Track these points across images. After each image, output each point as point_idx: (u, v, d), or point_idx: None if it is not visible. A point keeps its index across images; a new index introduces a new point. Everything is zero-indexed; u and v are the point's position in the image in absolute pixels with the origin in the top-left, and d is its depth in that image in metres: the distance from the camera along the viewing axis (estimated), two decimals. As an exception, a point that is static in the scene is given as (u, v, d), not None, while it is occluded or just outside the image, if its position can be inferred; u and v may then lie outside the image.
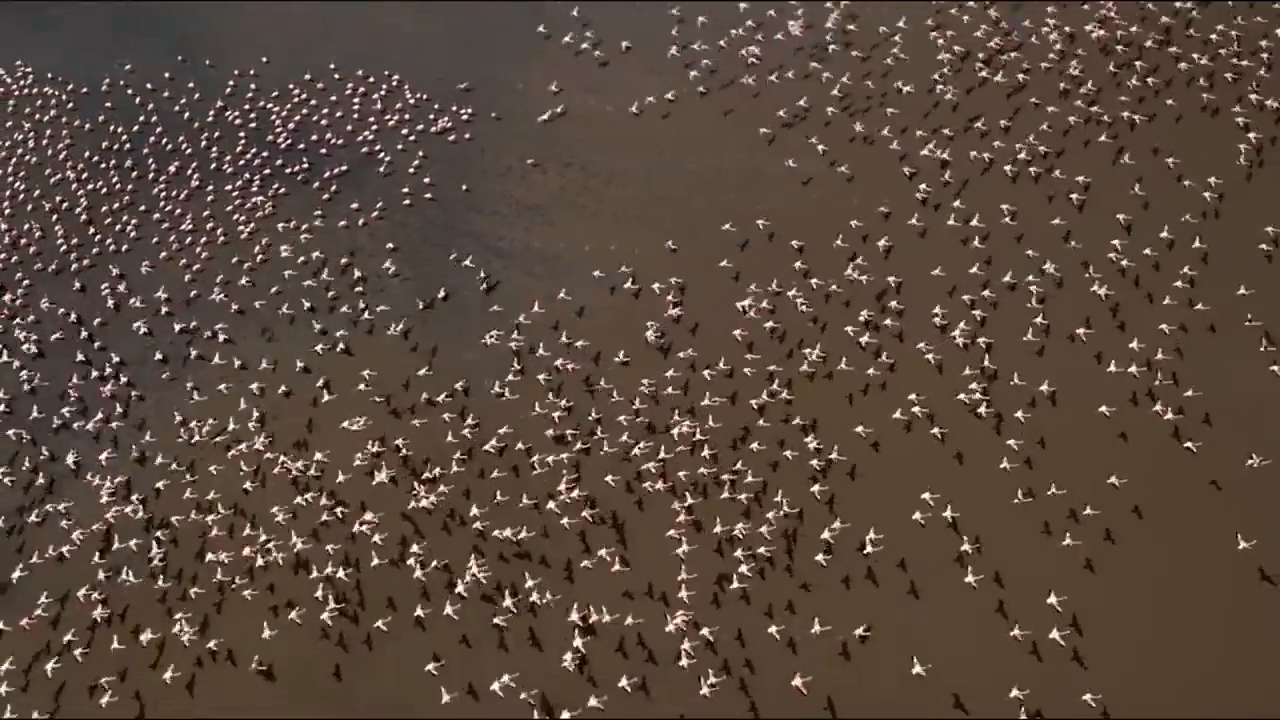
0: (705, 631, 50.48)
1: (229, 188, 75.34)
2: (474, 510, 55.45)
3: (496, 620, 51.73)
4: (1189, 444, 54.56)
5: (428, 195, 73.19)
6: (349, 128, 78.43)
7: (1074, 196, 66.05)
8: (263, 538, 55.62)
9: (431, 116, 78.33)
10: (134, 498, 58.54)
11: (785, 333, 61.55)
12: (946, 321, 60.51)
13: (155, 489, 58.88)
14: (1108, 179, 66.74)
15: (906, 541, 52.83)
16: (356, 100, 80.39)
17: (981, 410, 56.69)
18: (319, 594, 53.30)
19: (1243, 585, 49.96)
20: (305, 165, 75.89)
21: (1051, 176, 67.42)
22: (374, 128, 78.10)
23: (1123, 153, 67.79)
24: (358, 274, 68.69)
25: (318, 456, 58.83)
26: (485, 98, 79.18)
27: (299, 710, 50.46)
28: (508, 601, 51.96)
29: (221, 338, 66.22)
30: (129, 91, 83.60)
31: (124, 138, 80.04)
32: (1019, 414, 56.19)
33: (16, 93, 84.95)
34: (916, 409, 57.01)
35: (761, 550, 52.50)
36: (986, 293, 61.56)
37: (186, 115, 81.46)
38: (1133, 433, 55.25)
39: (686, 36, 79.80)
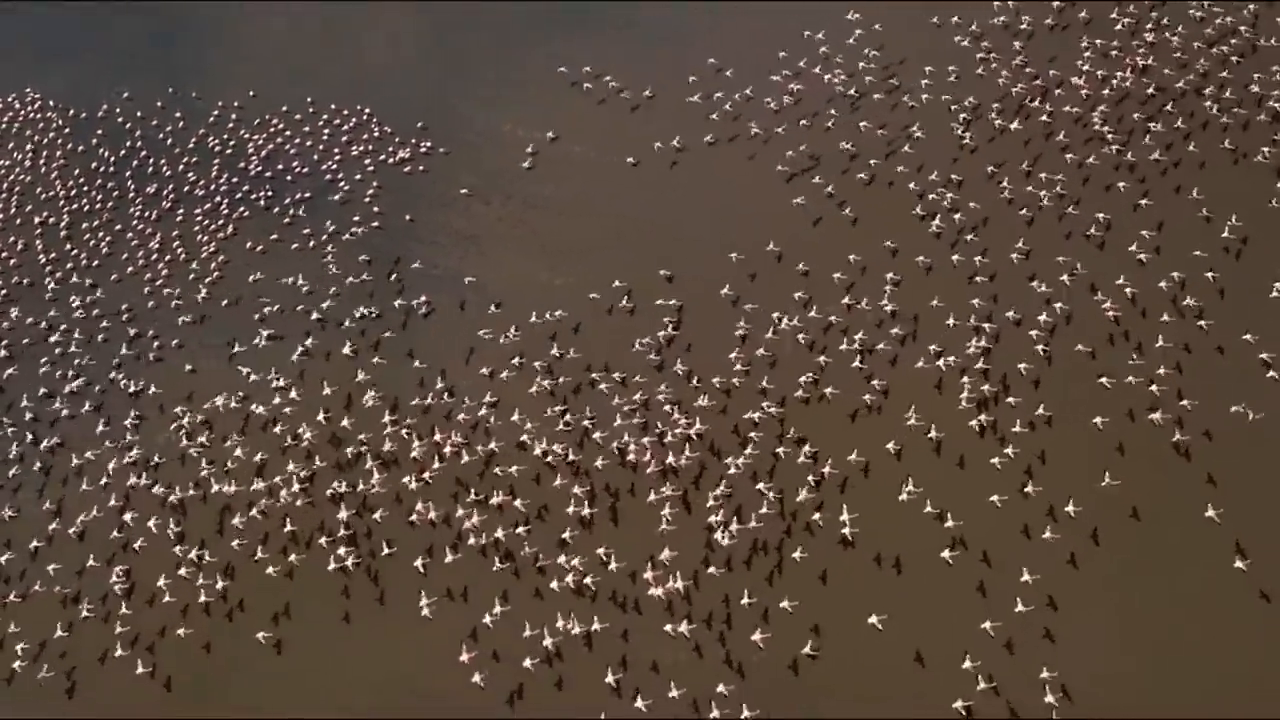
0: (680, 584, 54.08)
1: (197, 211, 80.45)
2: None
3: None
4: (1180, 435, 56.10)
5: (375, 224, 77.41)
6: (314, 157, 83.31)
7: (1093, 232, 66.04)
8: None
9: (391, 149, 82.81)
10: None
11: (776, 360, 63.16)
12: (943, 348, 61.62)
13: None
14: (1128, 220, 66.34)
15: (893, 530, 54.92)
16: (326, 131, 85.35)
17: (980, 419, 58.11)
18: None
19: (1225, 585, 51.39)
20: (269, 192, 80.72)
21: (1070, 215, 67.32)
22: (338, 157, 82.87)
23: (1146, 194, 67.31)
24: (305, 289, 72.98)
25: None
26: (449, 133, 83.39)
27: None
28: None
29: (174, 342, 71.09)
30: (120, 119, 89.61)
31: (111, 160, 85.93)
32: (1016, 428, 57.52)
33: (22, 116, 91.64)
34: (913, 420, 58.56)
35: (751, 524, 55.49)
36: (988, 325, 62.35)
37: (169, 141, 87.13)
38: (1130, 445, 56.29)
39: (708, 85, 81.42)
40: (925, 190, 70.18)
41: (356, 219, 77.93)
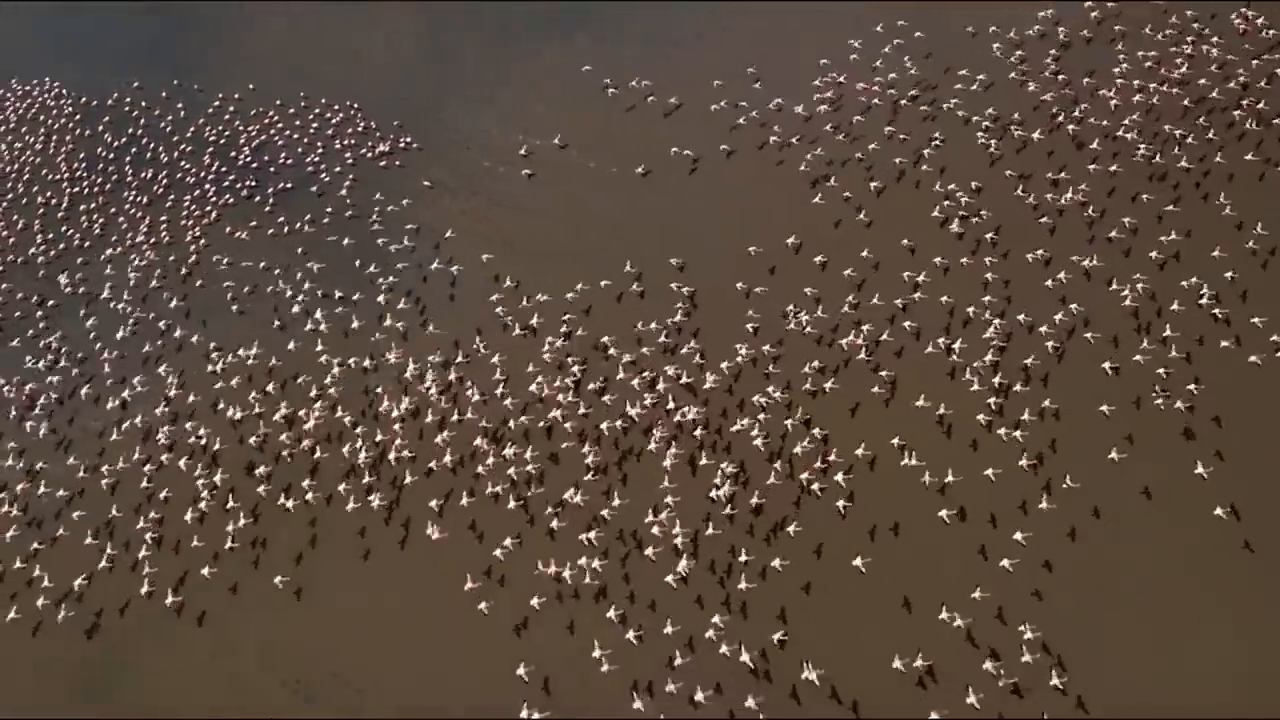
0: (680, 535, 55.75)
1: (186, 197, 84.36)
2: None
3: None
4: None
5: (348, 214, 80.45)
6: (299, 149, 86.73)
7: (1115, 235, 65.95)
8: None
9: (371, 143, 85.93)
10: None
11: (783, 341, 64.28)
12: (955, 340, 62.12)
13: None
14: (1153, 227, 66.13)
15: (892, 499, 55.77)
16: (315, 125, 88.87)
17: (990, 402, 58.71)
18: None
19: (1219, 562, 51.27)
20: (252, 182, 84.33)
21: (1092, 219, 67.46)
22: (320, 150, 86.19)
23: (1176, 202, 67.08)
24: (276, 272, 76.31)
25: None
26: (432, 131, 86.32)
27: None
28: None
29: (150, 315, 75.05)
30: (127, 107, 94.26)
31: (114, 145, 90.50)
32: (1025, 415, 57.81)
33: (39, 103, 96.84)
34: (922, 401, 59.19)
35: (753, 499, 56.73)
36: (1000, 320, 62.53)
37: (169, 130, 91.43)
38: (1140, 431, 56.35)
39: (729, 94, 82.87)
40: (948, 195, 70.48)
41: (329, 210, 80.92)
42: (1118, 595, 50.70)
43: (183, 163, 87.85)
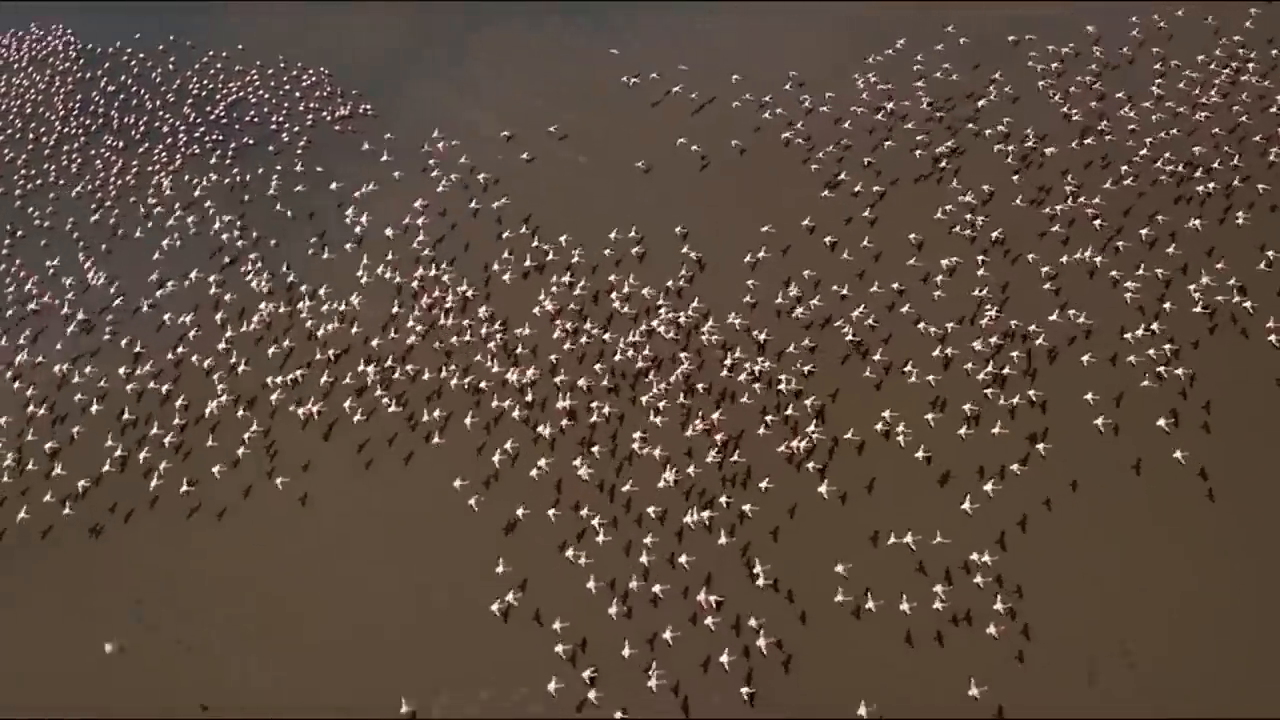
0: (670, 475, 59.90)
1: (159, 145, 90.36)
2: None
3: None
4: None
5: (298, 168, 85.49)
6: (266, 109, 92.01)
7: (1125, 244, 68.15)
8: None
9: (331, 107, 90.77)
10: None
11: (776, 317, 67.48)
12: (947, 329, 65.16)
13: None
14: (1164, 243, 68.10)
15: (870, 458, 59.44)
16: (287, 86, 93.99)
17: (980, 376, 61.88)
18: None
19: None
20: (219, 136, 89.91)
21: (1103, 230, 69.48)
22: (285, 110, 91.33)
23: (1199, 218, 68.74)
24: (220, 221, 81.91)
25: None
26: (395, 103, 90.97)
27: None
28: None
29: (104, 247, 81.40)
30: (126, 55, 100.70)
31: (108, 90, 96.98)
32: (1016, 399, 60.85)
33: (49, 46, 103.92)
34: (914, 377, 62.51)
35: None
36: (994, 311, 65.45)
37: (158, 80, 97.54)
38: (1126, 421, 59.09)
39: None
40: (961, 203, 72.60)
41: (278, 168, 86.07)
42: (1083, 548, 53.79)
43: (162, 112, 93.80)
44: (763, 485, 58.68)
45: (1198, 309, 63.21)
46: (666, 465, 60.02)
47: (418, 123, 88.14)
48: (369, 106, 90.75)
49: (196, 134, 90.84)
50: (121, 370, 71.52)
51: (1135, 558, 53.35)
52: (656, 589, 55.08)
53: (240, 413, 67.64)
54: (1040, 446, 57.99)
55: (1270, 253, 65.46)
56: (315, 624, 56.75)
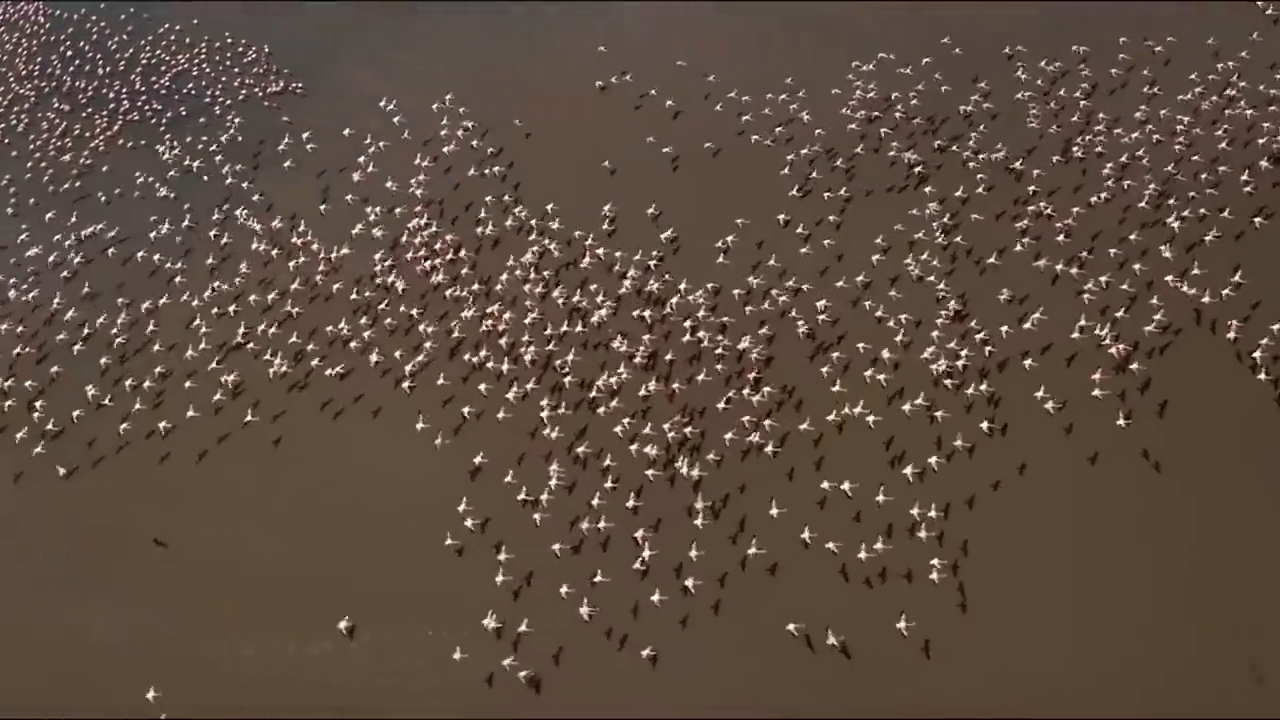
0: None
1: (103, 110, 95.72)
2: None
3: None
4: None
5: (224, 138, 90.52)
6: (204, 83, 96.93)
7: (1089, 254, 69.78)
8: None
9: (264, 84, 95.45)
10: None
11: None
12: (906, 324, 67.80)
13: None
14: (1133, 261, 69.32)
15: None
16: (228, 61, 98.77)
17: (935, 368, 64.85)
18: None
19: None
20: (158, 105, 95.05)
21: (1066, 246, 70.81)
22: (221, 84, 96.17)
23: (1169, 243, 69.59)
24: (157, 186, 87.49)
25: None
26: (327, 85, 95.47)
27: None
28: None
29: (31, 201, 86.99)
30: (88, 24, 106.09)
31: (66, 55, 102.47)
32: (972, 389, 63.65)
33: (23, 11, 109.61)
34: (861, 346, 66.26)
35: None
36: (953, 303, 68.09)
37: (114, 48, 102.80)
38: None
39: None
40: (932, 210, 74.34)
41: (204, 139, 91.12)
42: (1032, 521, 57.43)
43: (109, 79, 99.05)
44: (711, 457, 62.21)
45: (1159, 316, 64.64)
46: (633, 421, 64.05)
47: (342, 106, 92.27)
48: (299, 85, 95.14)
49: (138, 103, 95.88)
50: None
51: (1085, 535, 56.49)
52: (600, 525, 59.84)
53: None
54: (985, 426, 60.93)
55: (1236, 278, 66.31)
56: (275, 561, 61.45)
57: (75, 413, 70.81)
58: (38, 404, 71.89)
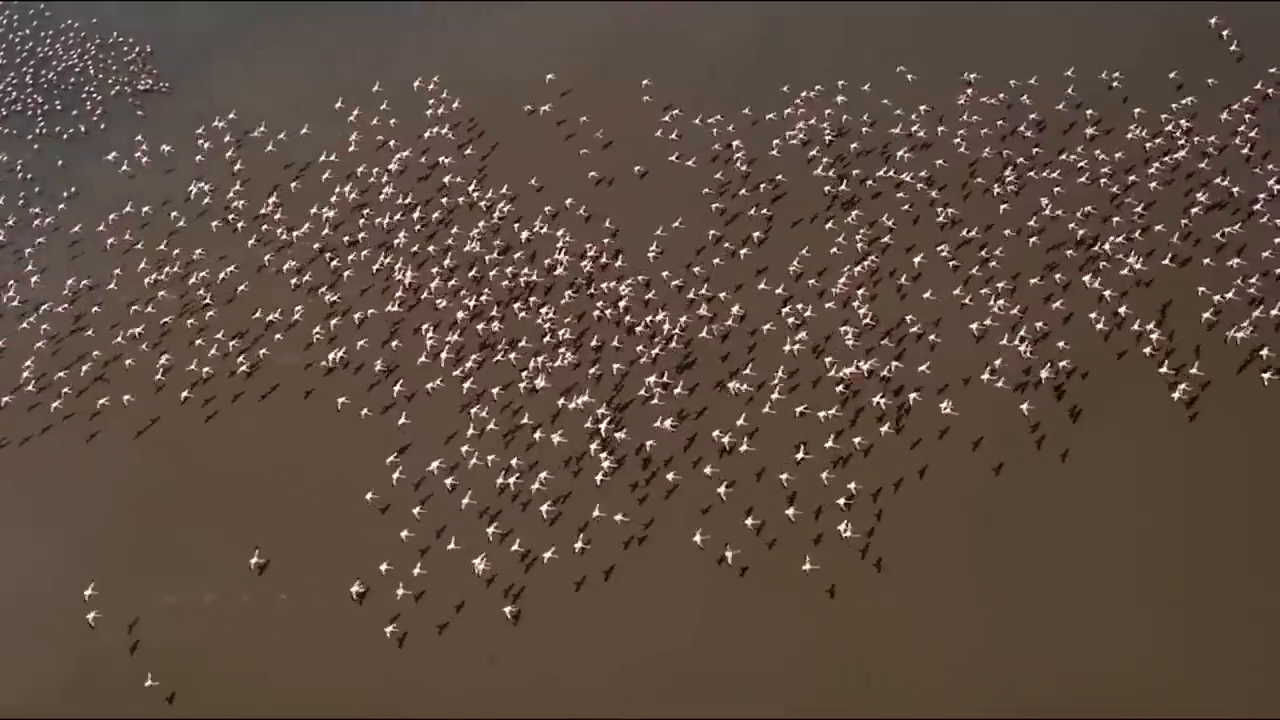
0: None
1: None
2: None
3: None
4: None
5: (81, 129, 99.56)
6: (84, 78, 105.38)
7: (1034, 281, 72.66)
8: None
9: (134, 82, 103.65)
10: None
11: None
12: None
13: None
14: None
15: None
16: (108, 61, 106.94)
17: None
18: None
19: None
20: (40, 99, 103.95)
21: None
22: (96, 80, 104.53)
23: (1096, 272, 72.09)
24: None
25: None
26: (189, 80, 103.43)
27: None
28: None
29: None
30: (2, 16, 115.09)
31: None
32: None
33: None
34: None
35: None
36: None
37: (17, 42, 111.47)
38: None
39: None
40: (861, 235, 77.39)
41: (71, 129, 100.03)
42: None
43: (8, 73, 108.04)
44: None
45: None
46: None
47: (200, 107, 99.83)
48: (166, 84, 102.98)
49: (24, 94, 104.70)
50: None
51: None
52: (556, 437, 69.30)
53: None
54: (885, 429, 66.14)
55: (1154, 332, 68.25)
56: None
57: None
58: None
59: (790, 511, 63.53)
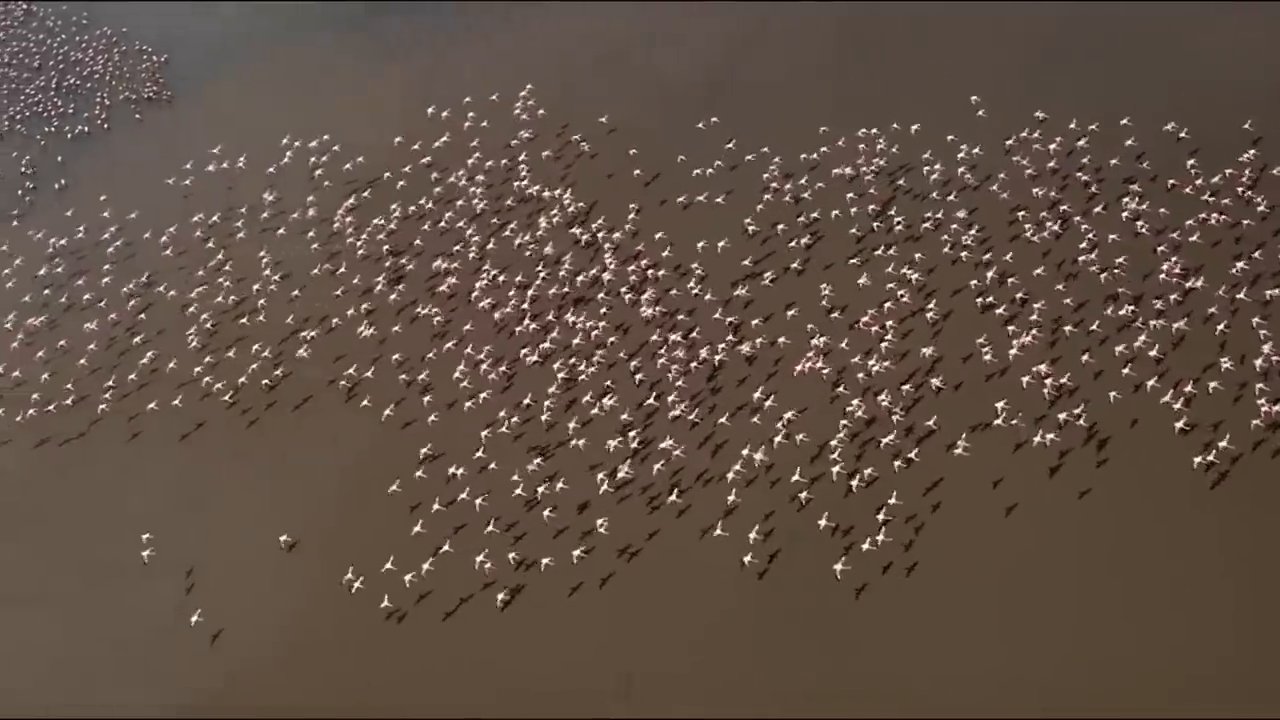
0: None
1: (19, 99, 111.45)
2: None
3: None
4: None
5: (85, 129, 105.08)
6: (89, 84, 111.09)
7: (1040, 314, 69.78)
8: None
9: (139, 89, 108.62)
10: None
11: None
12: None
13: None
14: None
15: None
16: (124, 66, 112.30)
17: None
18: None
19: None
20: (58, 100, 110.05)
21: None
22: (111, 85, 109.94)
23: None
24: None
25: None
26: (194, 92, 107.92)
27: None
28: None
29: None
30: (35, 19, 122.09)
31: (10, 46, 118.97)
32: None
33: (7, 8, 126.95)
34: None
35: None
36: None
37: (46, 41, 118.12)
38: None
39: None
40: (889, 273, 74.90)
41: (76, 129, 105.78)
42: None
43: (22, 72, 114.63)
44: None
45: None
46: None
47: (201, 121, 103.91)
48: (170, 93, 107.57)
49: (45, 95, 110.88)
50: None
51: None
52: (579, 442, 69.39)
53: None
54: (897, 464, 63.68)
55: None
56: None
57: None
58: None
59: (822, 522, 61.68)
